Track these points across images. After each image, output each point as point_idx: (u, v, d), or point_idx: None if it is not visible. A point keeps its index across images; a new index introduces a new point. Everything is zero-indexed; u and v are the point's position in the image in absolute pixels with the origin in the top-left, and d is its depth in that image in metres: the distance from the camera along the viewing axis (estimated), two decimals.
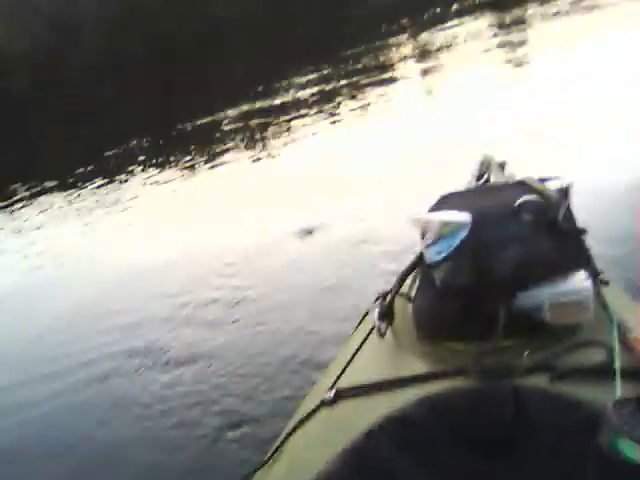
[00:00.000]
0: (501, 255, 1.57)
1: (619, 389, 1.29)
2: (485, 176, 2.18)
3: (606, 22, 10.88)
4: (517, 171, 2.15)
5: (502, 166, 2.30)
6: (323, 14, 37.67)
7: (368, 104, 10.35)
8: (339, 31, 27.43)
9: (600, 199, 3.56)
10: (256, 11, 41.12)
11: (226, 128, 12.20)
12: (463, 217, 1.62)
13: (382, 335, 1.71)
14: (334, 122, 9.73)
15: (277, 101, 13.03)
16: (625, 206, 3.73)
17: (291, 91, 13.64)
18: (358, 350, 1.73)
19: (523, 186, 1.74)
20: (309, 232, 5.10)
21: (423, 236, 1.67)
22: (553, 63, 9.12)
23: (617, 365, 1.35)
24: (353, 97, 11.39)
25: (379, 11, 35.73)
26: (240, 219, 6.09)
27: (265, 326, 4.06)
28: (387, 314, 1.74)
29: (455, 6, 23.24)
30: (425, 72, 12.18)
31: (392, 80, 11.92)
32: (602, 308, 1.61)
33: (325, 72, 15.05)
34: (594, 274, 1.69)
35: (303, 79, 14.66)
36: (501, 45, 12.06)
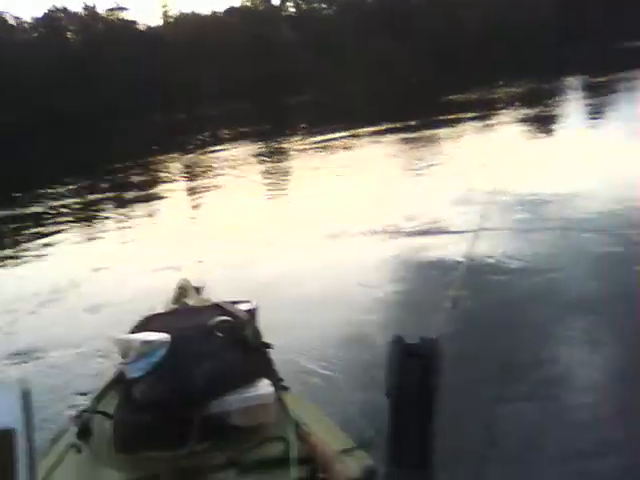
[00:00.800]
0: (196, 369, 1.80)
1: (295, 473, 1.61)
2: (183, 299, 2.45)
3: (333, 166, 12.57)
4: (213, 294, 2.45)
5: (198, 290, 2.61)
6: (96, 127, 37.10)
7: (124, 219, 10.26)
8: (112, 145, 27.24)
9: (283, 317, 4.05)
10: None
11: None
12: (162, 337, 1.84)
13: (80, 451, 1.78)
14: (86, 239, 9.43)
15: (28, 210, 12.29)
16: (304, 317, 4.37)
17: (48, 201, 13.01)
18: (54, 468, 1.75)
19: (217, 308, 2.04)
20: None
21: (124, 355, 1.84)
22: (294, 195, 10.15)
23: (293, 455, 1.68)
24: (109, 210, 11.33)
25: (156, 128, 36.21)
26: None
27: None
28: (85, 431, 1.82)
29: (226, 131, 24.77)
30: (189, 191, 12.66)
31: (153, 197, 12.07)
32: (283, 409, 1.90)
33: (87, 183, 14.92)
34: (276, 382, 1.99)
35: (63, 189, 14.25)
36: (259, 172, 13.24)
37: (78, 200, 12.79)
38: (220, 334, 1.91)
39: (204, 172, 14.52)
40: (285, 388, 2.06)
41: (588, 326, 3.73)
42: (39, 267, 7.57)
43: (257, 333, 2.02)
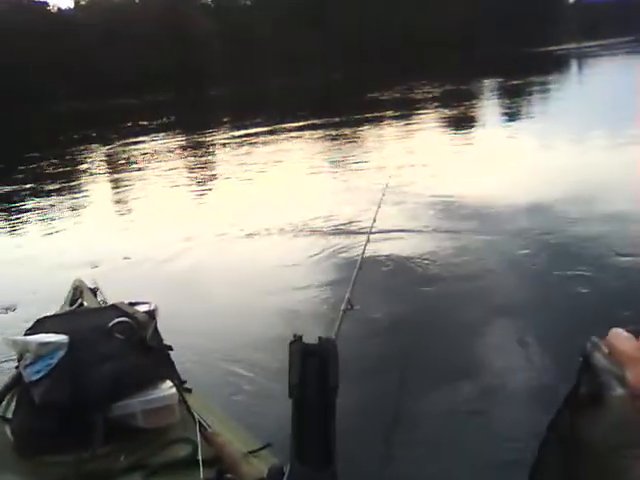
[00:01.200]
0: (96, 371, 1.78)
1: (202, 474, 1.62)
2: (79, 301, 2.40)
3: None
4: (109, 296, 2.41)
5: (94, 291, 2.56)
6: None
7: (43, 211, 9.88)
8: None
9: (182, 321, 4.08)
10: None
11: None
12: (60, 338, 1.80)
13: None
14: None
15: None
16: (214, 314, 4.43)
17: None
18: None
19: (115, 309, 2.02)
20: None
21: (21, 358, 1.79)
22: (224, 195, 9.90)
23: (200, 456, 1.69)
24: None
25: (73, 116, 34.66)
26: None
27: None
28: None
29: (146, 122, 24.10)
30: (112, 183, 12.42)
31: (75, 189, 11.57)
32: (187, 411, 1.91)
33: (3, 174, 14.33)
34: (179, 383, 1.99)
35: None
36: (181, 166, 13.06)
37: None
38: (119, 335, 1.89)
39: (125, 164, 14.21)
40: (188, 390, 2.06)
41: (502, 331, 3.78)
42: None
43: (157, 334, 2.01)
